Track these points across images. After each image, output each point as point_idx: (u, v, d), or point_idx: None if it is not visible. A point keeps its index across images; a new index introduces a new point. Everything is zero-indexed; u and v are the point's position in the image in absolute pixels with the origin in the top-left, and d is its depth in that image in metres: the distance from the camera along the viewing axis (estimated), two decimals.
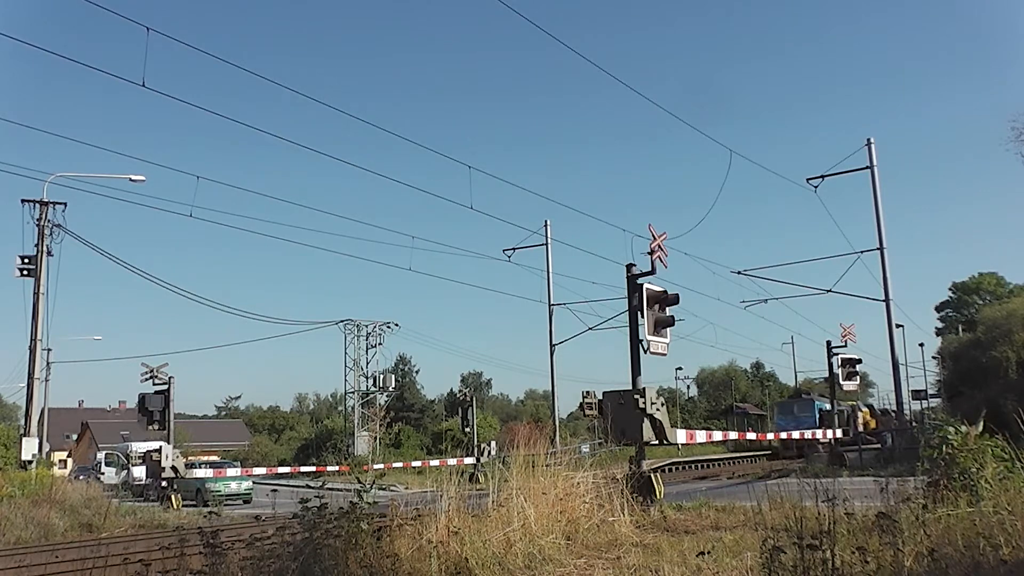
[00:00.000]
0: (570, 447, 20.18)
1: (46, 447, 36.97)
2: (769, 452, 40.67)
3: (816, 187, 27.08)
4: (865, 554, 5.35)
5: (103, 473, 35.13)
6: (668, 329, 14.09)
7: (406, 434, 56.08)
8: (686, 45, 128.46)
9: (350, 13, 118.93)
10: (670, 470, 29.59)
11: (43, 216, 26.66)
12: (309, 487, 13.21)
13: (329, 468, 34.72)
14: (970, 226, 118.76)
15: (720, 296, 76.53)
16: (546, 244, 33.36)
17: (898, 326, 28.64)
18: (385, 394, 53.14)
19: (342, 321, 49.29)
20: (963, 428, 8.69)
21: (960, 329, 52.10)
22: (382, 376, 50.59)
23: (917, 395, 45.63)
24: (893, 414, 52.01)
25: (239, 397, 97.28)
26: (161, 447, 22.53)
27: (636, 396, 13.71)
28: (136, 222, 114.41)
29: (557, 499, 9.22)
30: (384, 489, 21.38)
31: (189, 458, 30.82)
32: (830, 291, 28.35)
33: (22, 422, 32.15)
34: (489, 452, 29.30)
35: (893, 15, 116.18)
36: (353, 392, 50.71)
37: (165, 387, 22.03)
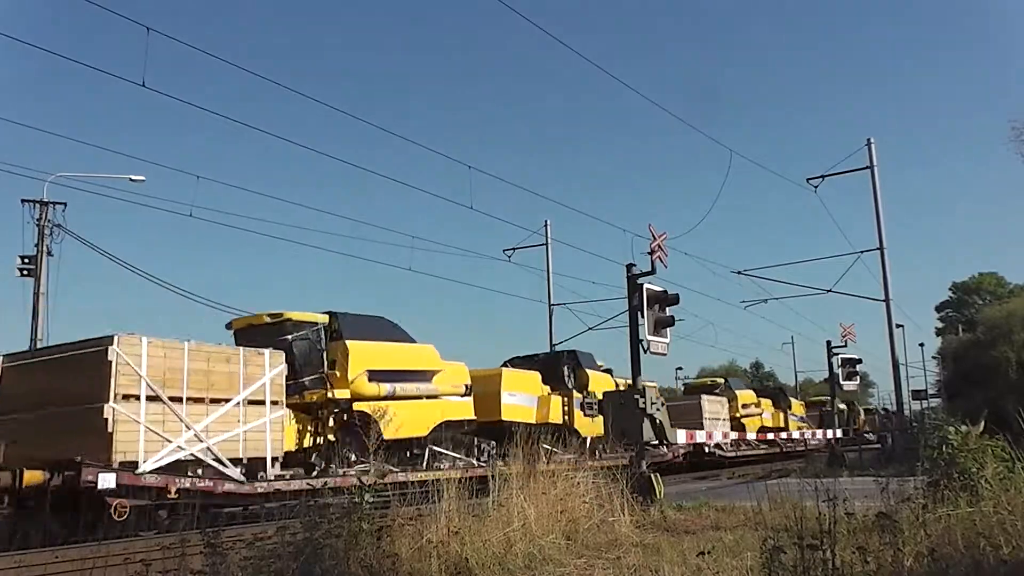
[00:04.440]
0: (569, 446, 20.23)
1: None
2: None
3: (816, 187, 27.07)
4: (865, 554, 5.35)
5: None
6: (668, 329, 14.11)
7: None
8: (686, 45, 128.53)
9: (350, 13, 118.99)
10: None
11: (43, 216, 26.65)
12: (313, 486, 13.21)
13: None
14: (970, 226, 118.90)
15: (720, 296, 76.52)
16: (546, 244, 33.36)
17: (898, 326, 28.64)
18: None
19: None
20: (963, 428, 8.69)
21: (960, 329, 52.08)
22: None
23: (917, 395, 45.59)
24: (882, 412, 51.55)
25: None
26: None
27: (636, 396, 13.74)
28: (136, 222, 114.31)
29: (557, 499, 9.23)
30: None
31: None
32: (830, 291, 28.34)
33: None
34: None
35: (893, 15, 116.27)
36: None
37: None
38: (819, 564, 5.06)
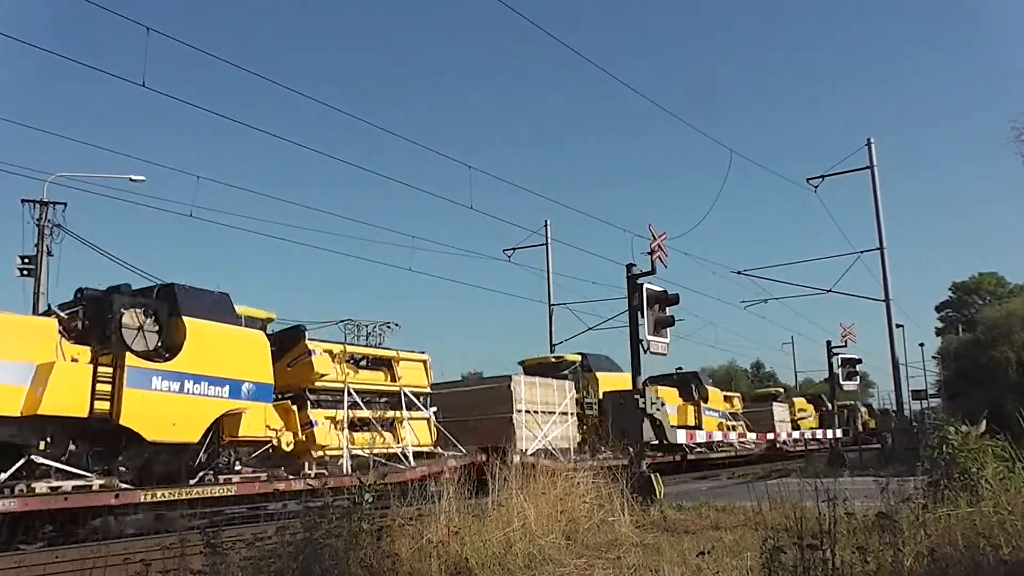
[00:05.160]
0: (569, 446, 20.16)
1: None
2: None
3: (816, 187, 27.14)
4: (865, 554, 5.36)
5: None
6: (668, 329, 14.12)
7: None
8: (687, 45, 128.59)
9: (350, 13, 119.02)
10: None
11: (43, 216, 26.64)
12: (312, 486, 13.19)
13: None
14: (970, 226, 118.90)
15: (720, 296, 76.70)
16: (546, 244, 33.35)
17: (898, 326, 28.66)
18: None
19: (342, 321, 48.99)
20: (964, 428, 8.69)
21: (960, 329, 52.07)
22: None
23: (917, 395, 45.56)
24: (861, 410, 50.10)
25: None
26: None
27: (636, 396, 13.74)
28: (136, 222, 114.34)
29: (557, 499, 9.23)
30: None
31: None
32: (830, 291, 28.37)
33: None
34: None
35: (893, 15, 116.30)
36: None
37: None
38: (819, 564, 5.06)
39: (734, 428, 31.22)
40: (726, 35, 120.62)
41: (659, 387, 25.32)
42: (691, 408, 28.62)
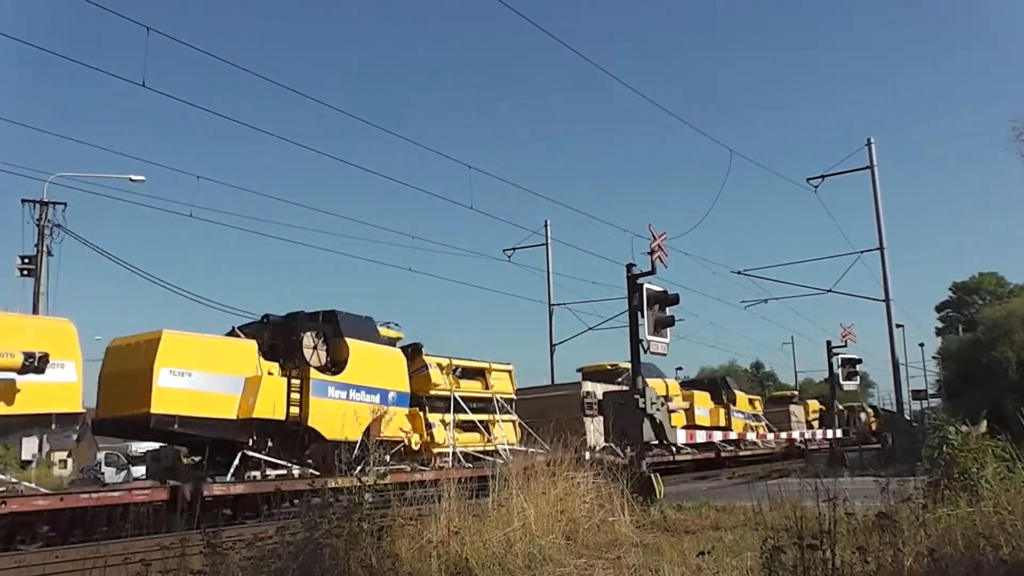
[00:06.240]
0: (569, 446, 20.04)
1: (46, 447, 36.76)
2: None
3: (816, 187, 27.12)
4: (865, 554, 5.35)
5: (103, 473, 35.11)
6: (668, 329, 14.11)
7: None
8: (687, 45, 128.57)
9: (350, 13, 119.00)
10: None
11: (43, 216, 26.66)
12: (312, 486, 13.19)
13: None
14: (970, 226, 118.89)
15: (720, 296, 76.76)
16: (546, 244, 33.35)
17: (898, 326, 28.65)
18: None
19: None
20: (964, 428, 8.69)
21: (960, 329, 52.06)
22: None
23: (917, 395, 45.55)
24: (796, 408, 47.93)
25: None
26: (162, 446, 22.39)
27: (636, 396, 13.73)
28: (136, 222, 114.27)
29: (557, 499, 9.21)
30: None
31: (191, 458, 30.32)
32: (830, 291, 28.38)
33: None
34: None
35: (893, 15, 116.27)
36: None
37: None
38: (819, 564, 5.06)
39: (490, 424, 19.33)
40: (726, 35, 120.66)
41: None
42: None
